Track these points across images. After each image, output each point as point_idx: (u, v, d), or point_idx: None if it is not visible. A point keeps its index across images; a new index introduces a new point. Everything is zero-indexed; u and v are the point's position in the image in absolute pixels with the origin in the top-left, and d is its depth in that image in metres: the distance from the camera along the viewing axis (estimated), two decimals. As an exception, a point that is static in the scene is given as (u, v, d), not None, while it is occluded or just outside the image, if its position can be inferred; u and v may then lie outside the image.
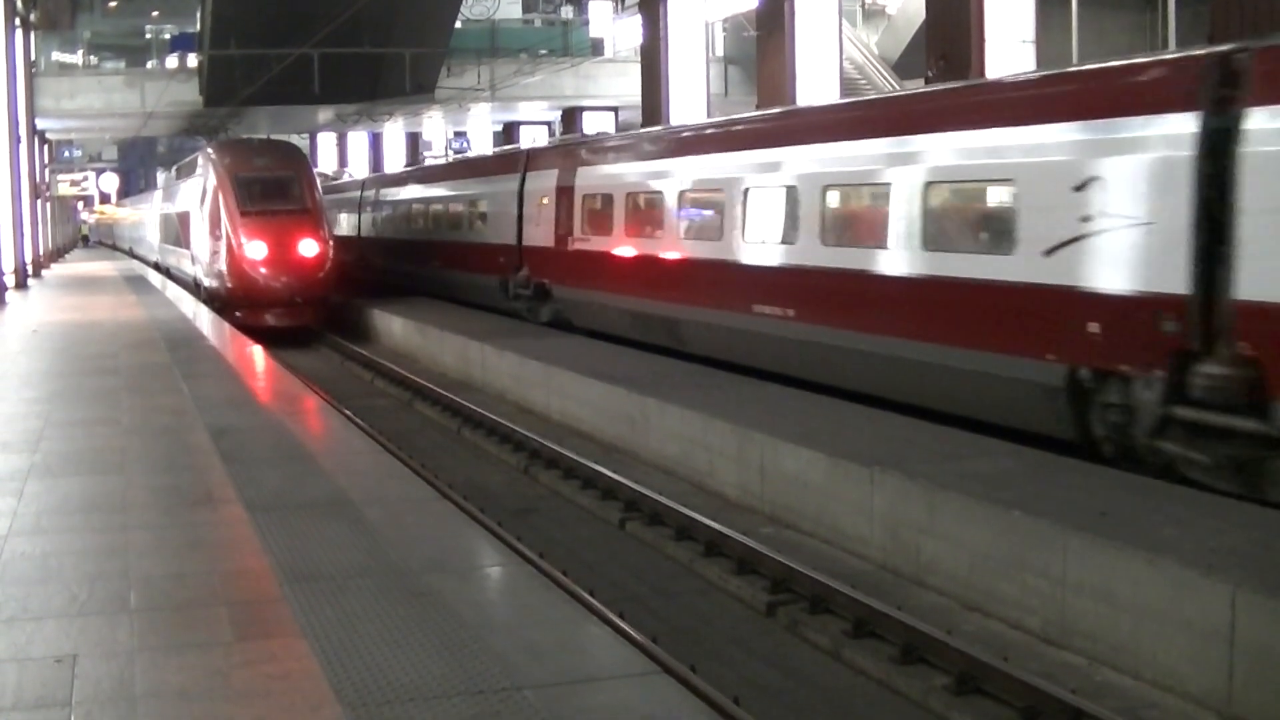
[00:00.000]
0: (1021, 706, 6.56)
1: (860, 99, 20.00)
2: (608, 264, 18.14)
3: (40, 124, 40.04)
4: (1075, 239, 9.68)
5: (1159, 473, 9.05)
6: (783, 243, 13.88)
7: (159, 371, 14.38)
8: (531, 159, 21.89)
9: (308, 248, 24.23)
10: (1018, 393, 10.40)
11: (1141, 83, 9.74)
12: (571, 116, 40.70)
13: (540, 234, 20.59)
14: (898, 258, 11.92)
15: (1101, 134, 9.59)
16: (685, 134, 18.36)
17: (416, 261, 28.24)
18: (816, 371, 13.33)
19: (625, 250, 17.67)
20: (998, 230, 10.96)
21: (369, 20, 30.92)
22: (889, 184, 12.04)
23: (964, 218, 11.93)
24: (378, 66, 36.45)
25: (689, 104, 27.52)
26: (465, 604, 5.95)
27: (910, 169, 11.80)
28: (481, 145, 47.61)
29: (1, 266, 28.17)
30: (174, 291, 29.10)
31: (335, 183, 40.01)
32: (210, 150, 27.16)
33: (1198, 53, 9.40)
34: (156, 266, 40.90)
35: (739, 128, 16.36)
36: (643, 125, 27.16)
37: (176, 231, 32.97)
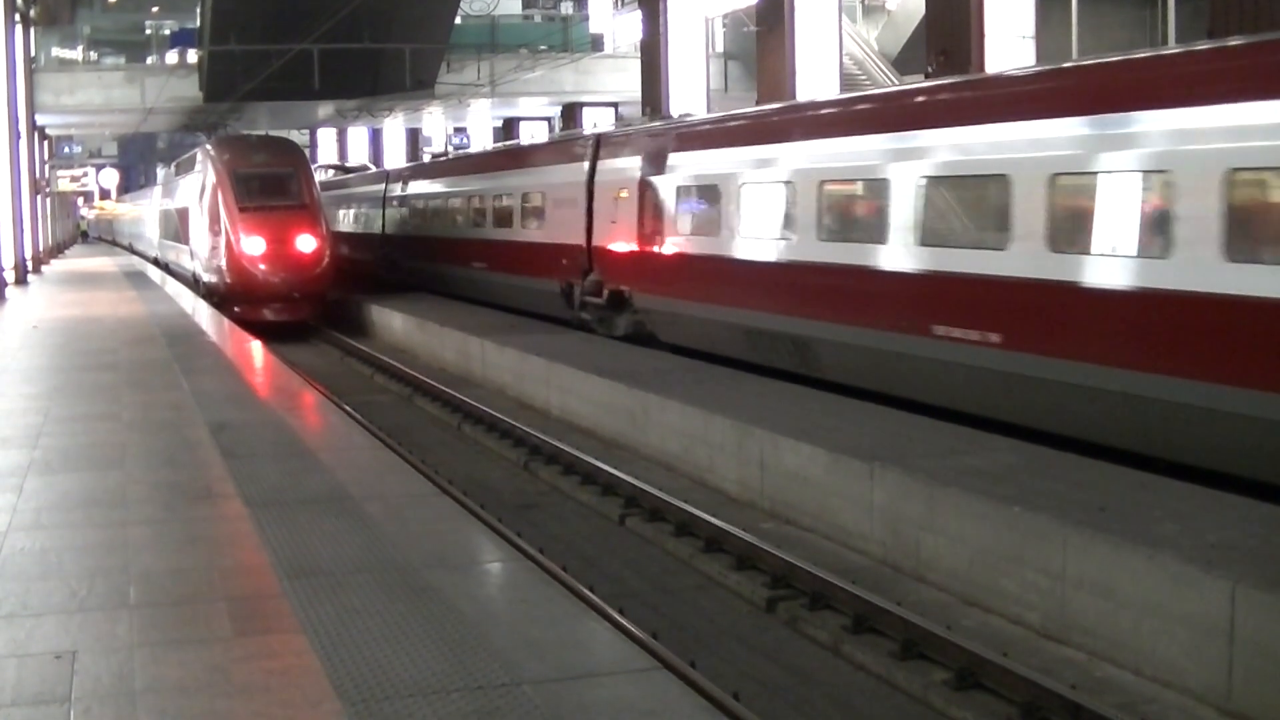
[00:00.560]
0: (1021, 702, 6.56)
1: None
2: (713, 269, 15.21)
3: (40, 120, 40.01)
4: None
5: None
6: (992, 248, 10.76)
7: (159, 367, 14.38)
8: (605, 145, 18.62)
9: (305, 243, 24.35)
10: None
11: None
12: (571, 112, 40.71)
13: (617, 233, 17.61)
14: (1198, 267, 8.88)
15: None
16: (825, 110, 14.64)
17: (455, 262, 25.41)
18: (1045, 418, 10.43)
19: (740, 252, 14.64)
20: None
21: (369, 16, 30.96)
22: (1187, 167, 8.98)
23: None
24: (378, 62, 36.43)
25: (688, 100, 27.49)
26: (465, 599, 5.95)
27: None
28: (482, 141, 47.57)
29: (1, 262, 28.17)
30: (173, 287, 29.10)
31: (353, 175, 38.58)
32: (209, 146, 27.21)
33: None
34: (156, 262, 40.92)
35: (918, 99, 12.68)
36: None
37: (176, 227, 32.99)
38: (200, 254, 27.22)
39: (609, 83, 38.66)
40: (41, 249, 39.21)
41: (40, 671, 5.15)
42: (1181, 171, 9.00)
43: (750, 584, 8.73)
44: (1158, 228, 9.30)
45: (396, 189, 30.44)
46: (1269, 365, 8.47)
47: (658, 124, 18.63)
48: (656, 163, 16.62)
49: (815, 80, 22.93)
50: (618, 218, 17.57)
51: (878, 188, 12.27)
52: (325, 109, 44.44)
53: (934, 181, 11.54)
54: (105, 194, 77.48)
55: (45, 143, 48.09)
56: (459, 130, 49.53)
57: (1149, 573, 6.85)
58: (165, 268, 37.02)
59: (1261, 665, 6.19)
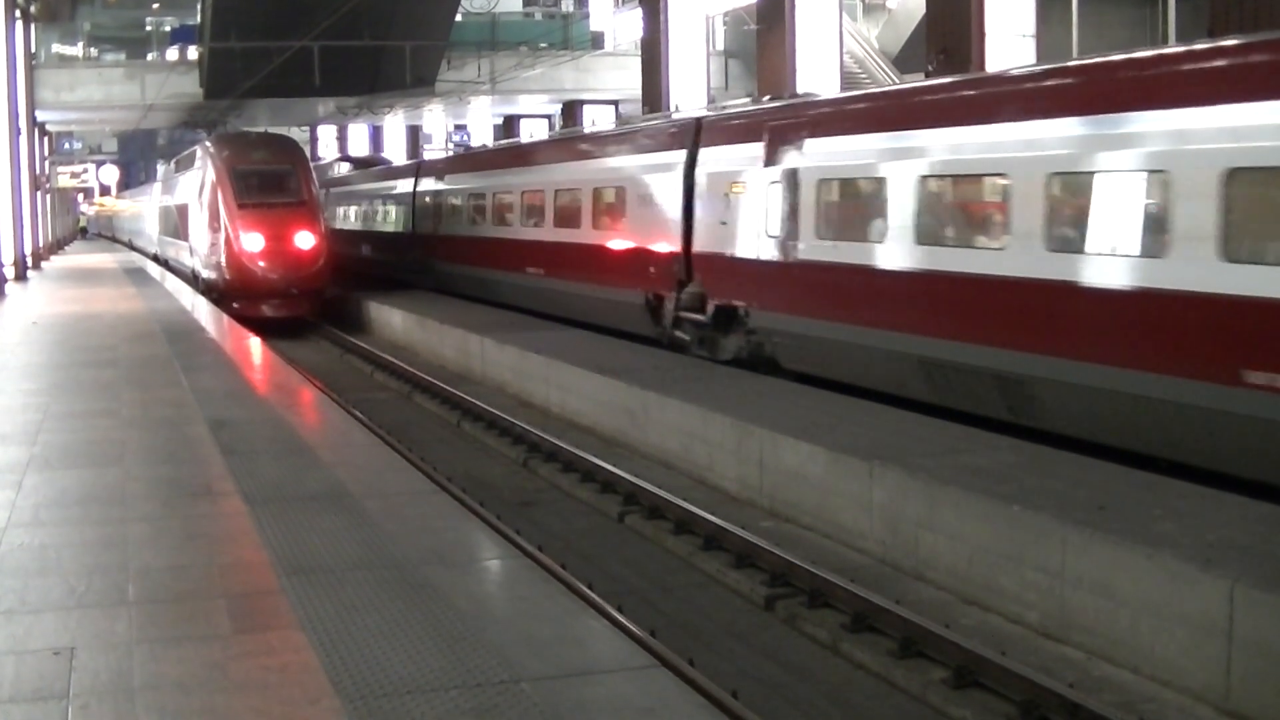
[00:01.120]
0: (1020, 700, 6.56)
1: None
2: (876, 283, 12.35)
3: (40, 116, 39.99)
4: None
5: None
6: None
7: (158, 364, 14.38)
8: (709, 130, 15.64)
9: (304, 240, 24.47)
10: None
11: None
12: (572, 110, 40.71)
13: (729, 235, 14.74)
14: None
15: None
16: (1067, 79, 10.67)
17: (503, 266, 22.42)
18: None
19: (916, 262, 11.74)
20: None
21: (369, 13, 30.93)
22: None
23: None
24: (378, 59, 36.44)
25: (689, 98, 27.49)
26: (464, 597, 5.94)
27: None
28: (482, 138, 47.57)
29: (1, 258, 28.17)
30: (173, 283, 29.11)
31: (376, 169, 36.34)
32: (208, 144, 27.28)
33: None
34: (155, 258, 40.96)
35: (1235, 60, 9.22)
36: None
37: (175, 224, 33.03)
38: (199, 250, 27.26)
39: (609, 80, 38.67)
40: (41, 245, 39.23)
41: (39, 668, 5.15)
42: None
43: (749, 582, 8.72)
44: None
45: (429, 183, 27.68)
46: None
47: (787, 103, 14.99)
48: (789, 150, 13.59)
49: (816, 79, 22.90)
50: (729, 217, 14.69)
51: (1165, 182, 9.17)
52: (325, 106, 44.44)
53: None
54: (105, 190, 77.58)
55: (45, 139, 48.12)
56: (459, 128, 49.52)
57: (1148, 572, 6.85)
58: (165, 264, 37.04)
59: (1260, 664, 6.19)
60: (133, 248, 55.19)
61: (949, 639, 7.17)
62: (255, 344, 16.91)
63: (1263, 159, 8.48)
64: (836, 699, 7.04)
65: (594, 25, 40.00)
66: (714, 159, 15.25)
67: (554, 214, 20.16)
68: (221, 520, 7.45)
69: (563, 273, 19.71)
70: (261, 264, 24.14)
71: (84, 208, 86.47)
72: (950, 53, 18.98)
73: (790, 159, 13.59)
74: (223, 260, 24.62)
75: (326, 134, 58.74)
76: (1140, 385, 9.37)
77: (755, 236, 14.21)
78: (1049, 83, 10.88)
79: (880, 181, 12.28)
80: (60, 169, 49.43)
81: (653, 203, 16.58)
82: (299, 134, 53.01)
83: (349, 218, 34.68)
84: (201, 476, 8.54)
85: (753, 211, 14.25)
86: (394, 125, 51.31)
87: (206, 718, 4.66)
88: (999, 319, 10.79)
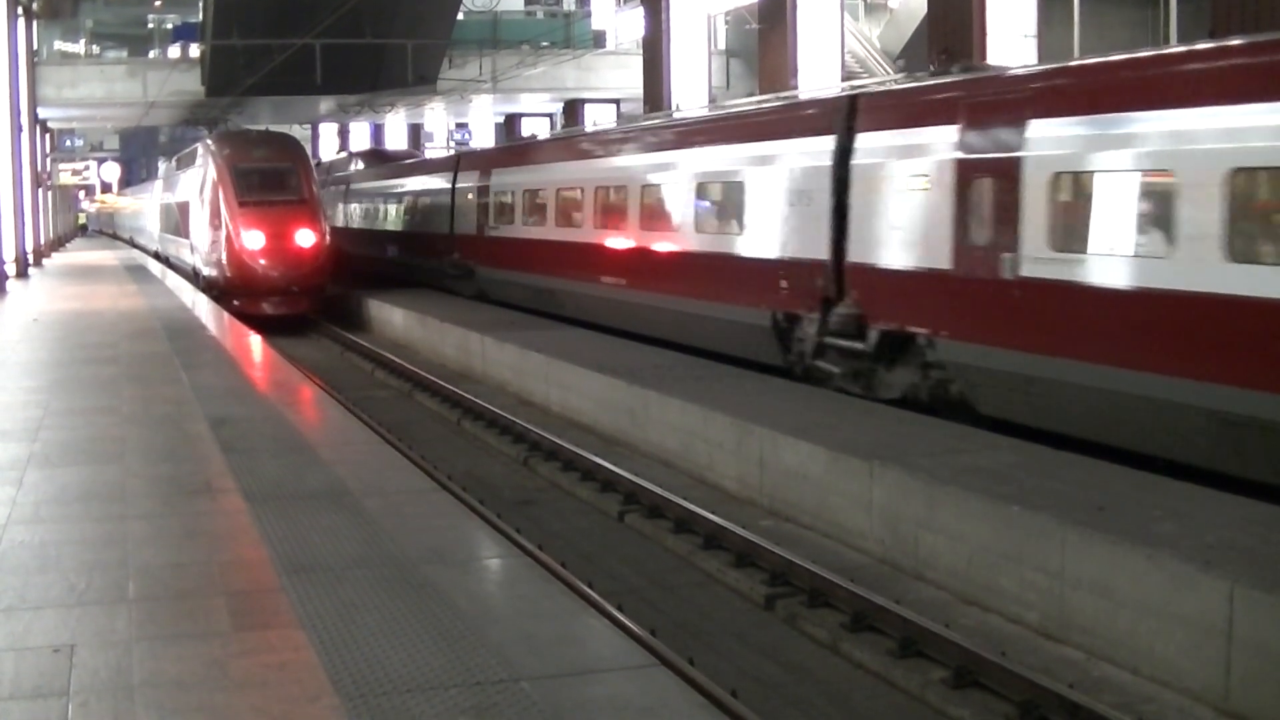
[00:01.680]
0: (1019, 700, 6.56)
1: None
2: (1134, 313, 9.52)
3: (42, 113, 39.98)
4: None
5: None
6: None
7: (159, 361, 14.38)
8: (869, 112, 12.73)
9: (304, 238, 24.54)
10: None
11: None
12: (573, 108, 40.72)
13: (903, 244, 11.90)
14: None
15: None
16: None
17: (572, 274, 19.38)
18: None
19: (1223, 286, 8.72)
20: None
21: (371, 11, 30.94)
22: None
23: None
24: (380, 57, 36.42)
25: (690, 97, 27.49)
26: (464, 595, 5.95)
27: None
28: (483, 137, 47.55)
29: (2, 255, 28.17)
30: (174, 281, 29.12)
31: (408, 163, 33.78)
32: (209, 141, 27.33)
33: None
34: (156, 256, 40.98)
35: None
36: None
37: (176, 221, 33.05)
38: (200, 248, 27.31)
39: (611, 79, 38.69)
40: (42, 242, 39.21)
41: (38, 665, 5.15)
42: None
43: (749, 581, 8.73)
44: None
45: (473, 178, 24.71)
46: None
47: (995, 74, 11.81)
48: (1003, 134, 10.72)
49: (817, 78, 22.89)
50: (905, 220, 11.88)
51: None
52: (327, 104, 44.44)
53: None
54: (106, 188, 77.58)
55: (47, 136, 48.08)
56: (460, 126, 49.50)
57: (1148, 572, 6.85)
58: (166, 261, 37.09)
59: (1259, 665, 6.19)
60: (134, 245, 55.22)
61: (949, 639, 7.18)
62: (256, 341, 16.90)
63: None
64: (836, 698, 7.05)
65: (596, 24, 39.97)
66: (879, 148, 12.34)
67: (640, 213, 17.07)
68: (221, 518, 7.45)
69: (654, 285, 16.56)
70: (262, 261, 24.21)
71: (85, 205, 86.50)
72: (952, 52, 18.97)
73: (1006, 145, 10.66)
74: (223, 258, 24.67)
75: (328, 132, 58.78)
76: None
77: (947, 245, 11.28)
78: None
79: (1167, 175, 9.17)
80: (62, 166, 49.40)
81: (784, 200, 13.70)
82: (300, 132, 53.06)
83: (372, 215, 33.41)
84: (201, 474, 8.54)
85: (942, 213, 11.35)
86: (395, 123, 51.29)
87: (206, 715, 4.66)
88: None
